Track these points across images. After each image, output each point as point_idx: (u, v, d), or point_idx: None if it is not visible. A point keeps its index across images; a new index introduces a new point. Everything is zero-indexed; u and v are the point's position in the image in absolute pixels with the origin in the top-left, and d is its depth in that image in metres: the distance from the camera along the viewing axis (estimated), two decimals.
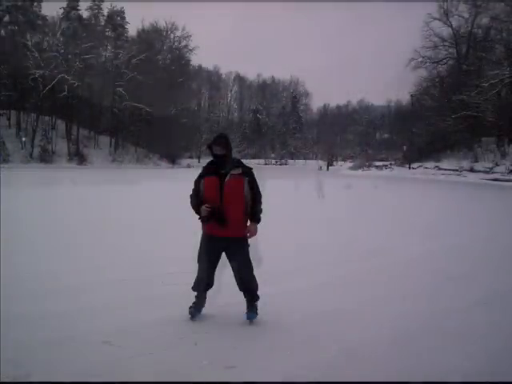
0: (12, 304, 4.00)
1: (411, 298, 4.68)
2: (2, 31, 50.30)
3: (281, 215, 10.11)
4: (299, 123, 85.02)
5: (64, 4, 54.15)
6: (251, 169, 3.86)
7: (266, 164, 73.30)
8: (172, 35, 65.64)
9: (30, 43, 48.98)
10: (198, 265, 3.85)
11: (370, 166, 58.24)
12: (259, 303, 3.89)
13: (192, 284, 3.89)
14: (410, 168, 48.77)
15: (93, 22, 57.87)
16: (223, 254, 3.82)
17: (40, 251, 6.32)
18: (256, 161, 68.32)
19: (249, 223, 3.80)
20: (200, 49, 76.70)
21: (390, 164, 56.74)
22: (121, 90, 52.63)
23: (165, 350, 3.27)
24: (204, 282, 3.82)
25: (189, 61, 68.13)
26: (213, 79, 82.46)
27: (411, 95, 53.16)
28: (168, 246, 6.89)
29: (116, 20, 58.85)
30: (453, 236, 8.91)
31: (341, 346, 3.42)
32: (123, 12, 58.98)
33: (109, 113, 55.09)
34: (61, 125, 53.07)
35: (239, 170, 3.75)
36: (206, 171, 3.82)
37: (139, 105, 53.35)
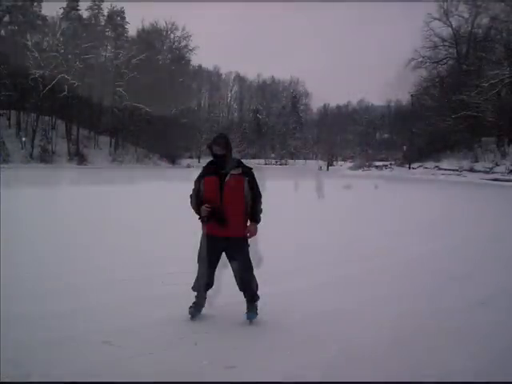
0: (12, 304, 4.00)
1: (412, 298, 4.67)
2: (2, 31, 50.33)
3: (281, 215, 10.10)
4: (299, 123, 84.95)
5: (64, 4, 54.18)
6: (251, 169, 3.86)
7: (266, 164, 73.25)
8: (172, 35, 65.66)
9: (29, 43, 48.97)
10: (197, 265, 3.84)
11: (370, 166, 58.28)
12: (259, 303, 3.89)
13: (192, 284, 3.89)
14: (410, 168, 48.79)
15: (93, 22, 57.84)
16: (223, 253, 3.82)
17: (40, 251, 6.32)
18: (256, 161, 68.25)
19: (249, 223, 3.80)
20: (200, 49, 76.61)
21: (390, 164, 56.78)
22: (121, 90, 52.63)
23: (165, 350, 3.27)
24: (204, 282, 3.82)
25: (189, 61, 68.14)
26: (213, 79, 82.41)
27: (411, 95, 53.15)
28: (168, 246, 6.88)
29: (116, 20, 58.86)
30: (454, 236, 8.90)
31: (341, 345, 3.42)
32: (123, 12, 59.00)
33: (109, 113, 55.08)
34: (61, 125, 53.08)
35: (239, 170, 3.75)
36: (206, 171, 3.82)
37: (139, 105, 53.34)
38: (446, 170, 42.51)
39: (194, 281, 3.89)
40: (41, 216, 9.88)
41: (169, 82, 56.85)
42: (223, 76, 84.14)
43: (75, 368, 2.96)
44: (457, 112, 42.78)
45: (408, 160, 50.40)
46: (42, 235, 7.63)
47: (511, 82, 40.34)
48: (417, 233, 9.13)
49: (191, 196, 3.86)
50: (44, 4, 52.51)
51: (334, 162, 78.00)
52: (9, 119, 49.51)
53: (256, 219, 3.82)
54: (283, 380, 2.91)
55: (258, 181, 3.83)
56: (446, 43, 50.88)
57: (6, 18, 49.65)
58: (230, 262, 3.81)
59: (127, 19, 59.60)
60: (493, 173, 37.52)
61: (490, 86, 39.83)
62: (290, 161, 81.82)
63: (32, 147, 47.62)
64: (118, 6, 58.26)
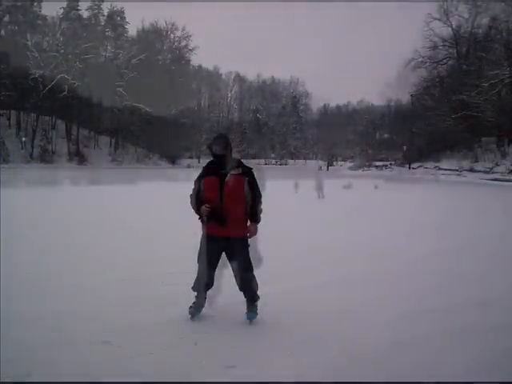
0: (12, 304, 4.00)
1: (415, 298, 4.66)
2: (2, 31, 50.41)
3: (281, 215, 10.10)
4: (299, 123, 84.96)
5: (64, 4, 54.29)
6: (251, 169, 3.86)
7: (265, 164, 73.24)
8: (172, 35, 65.81)
9: (30, 43, 49.04)
10: (198, 265, 3.84)
11: (369, 165, 58.29)
12: (259, 303, 3.89)
13: (192, 284, 3.89)
14: (410, 168, 48.81)
15: (93, 22, 57.95)
16: (223, 253, 3.82)
17: (40, 251, 6.33)
18: (256, 161, 68.23)
19: (249, 223, 3.80)
20: (200, 49, 76.73)
21: (390, 164, 56.80)
22: (121, 90, 52.71)
23: (165, 350, 3.27)
24: (204, 282, 3.81)
25: (189, 61, 68.29)
26: (213, 79, 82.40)
27: (411, 95, 53.16)
28: (168, 246, 6.89)
29: (116, 20, 58.96)
30: (456, 236, 8.88)
31: (342, 346, 3.42)
32: (123, 12, 59.15)
33: (109, 113, 55.15)
34: (61, 125, 53.14)
35: (239, 170, 3.75)
36: (206, 171, 3.81)
37: (139, 105, 53.42)
38: (446, 170, 42.53)
39: (194, 281, 3.89)
40: (41, 216, 9.89)
41: (169, 82, 56.94)
42: (223, 76, 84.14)
43: (75, 368, 2.96)
44: (457, 112, 42.82)
45: (408, 160, 50.42)
46: (42, 235, 7.63)
47: (511, 82, 40.35)
48: (419, 233, 9.10)
49: (191, 196, 3.85)
50: (44, 4, 52.69)
51: (334, 162, 77.96)
52: (9, 119, 49.57)
53: (256, 219, 3.81)
54: (283, 380, 2.91)
55: (257, 181, 3.83)
56: (446, 43, 50.93)
57: (6, 18, 49.75)
58: (229, 262, 3.81)
59: (127, 19, 59.82)
60: (493, 173, 37.53)
61: (489, 86, 39.85)
62: (290, 161, 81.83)
63: (32, 147, 47.68)
64: (118, 5, 58.43)
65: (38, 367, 2.95)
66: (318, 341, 3.51)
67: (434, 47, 51.05)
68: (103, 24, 59.29)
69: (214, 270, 3.81)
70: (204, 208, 3.69)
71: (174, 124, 57.61)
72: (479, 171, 39.11)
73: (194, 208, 3.83)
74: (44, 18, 53.13)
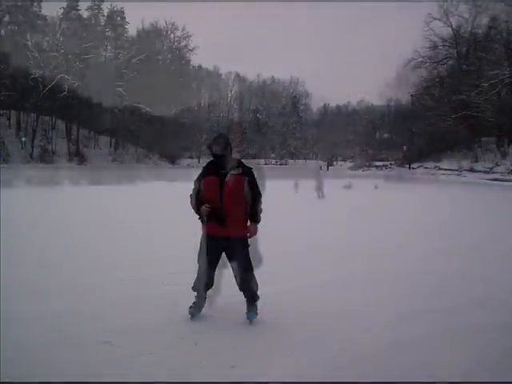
0: (12, 304, 4.00)
1: (416, 298, 4.66)
2: (2, 31, 50.43)
3: (281, 215, 10.10)
4: (299, 123, 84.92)
5: (64, 4, 54.27)
6: (251, 169, 3.86)
7: (266, 164, 73.23)
8: (172, 35, 65.78)
9: (30, 43, 49.04)
10: (198, 265, 3.84)
11: (369, 165, 58.29)
12: (259, 303, 3.89)
13: (192, 284, 3.89)
14: (410, 168, 48.81)
15: (93, 22, 57.96)
16: (223, 253, 3.82)
17: (40, 251, 6.33)
18: (256, 161, 68.17)
19: (249, 223, 3.80)
20: (200, 49, 76.77)
21: (390, 164, 56.79)
22: (121, 90, 52.72)
23: (165, 350, 3.27)
24: (204, 282, 3.81)
25: (189, 61, 68.27)
26: (213, 79, 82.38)
27: (411, 95, 53.15)
28: (168, 246, 6.89)
29: (116, 20, 58.97)
30: (458, 236, 8.87)
31: (342, 346, 3.42)
32: (123, 12, 59.12)
33: (109, 113, 55.15)
34: (61, 125, 53.16)
35: (239, 170, 3.75)
36: (206, 171, 3.82)
37: (139, 105, 53.43)
38: (446, 169, 42.53)
39: (194, 281, 3.89)
40: (41, 216, 9.88)
41: (169, 82, 56.89)
42: (223, 76, 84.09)
43: (75, 368, 2.96)
44: (457, 112, 42.82)
45: (408, 160, 50.41)
46: (42, 235, 7.63)
47: (511, 81, 40.35)
48: (419, 233, 9.10)
49: (191, 196, 3.86)
50: (44, 4, 52.69)
51: (334, 162, 77.93)
52: (9, 119, 49.58)
53: (256, 219, 3.81)
54: (283, 380, 2.91)
55: (258, 181, 3.83)
56: (446, 43, 50.90)
57: (6, 18, 49.76)
58: (229, 261, 3.81)
59: (127, 19, 59.78)
60: (493, 173, 37.52)
61: (489, 86, 39.84)
62: (290, 161, 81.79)
63: (32, 147, 47.69)
64: (118, 6, 58.41)
65: (37, 367, 2.95)
66: (318, 341, 3.52)
67: (434, 47, 51.03)
68: (103, 24, 59.29)
69: (214, 270, 3.82)
70: (204, 208, 3.69)
71: (173, 124, 57.62)
72: (479, 171, 39.11)
73: (194, 208, 3.83)
74: (44, 18, 53.12)
